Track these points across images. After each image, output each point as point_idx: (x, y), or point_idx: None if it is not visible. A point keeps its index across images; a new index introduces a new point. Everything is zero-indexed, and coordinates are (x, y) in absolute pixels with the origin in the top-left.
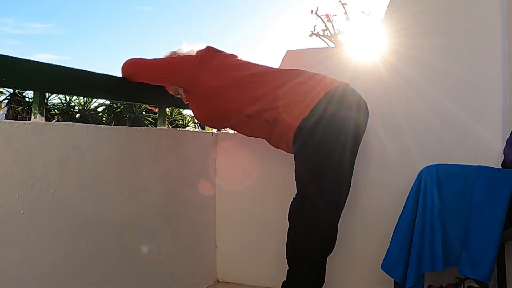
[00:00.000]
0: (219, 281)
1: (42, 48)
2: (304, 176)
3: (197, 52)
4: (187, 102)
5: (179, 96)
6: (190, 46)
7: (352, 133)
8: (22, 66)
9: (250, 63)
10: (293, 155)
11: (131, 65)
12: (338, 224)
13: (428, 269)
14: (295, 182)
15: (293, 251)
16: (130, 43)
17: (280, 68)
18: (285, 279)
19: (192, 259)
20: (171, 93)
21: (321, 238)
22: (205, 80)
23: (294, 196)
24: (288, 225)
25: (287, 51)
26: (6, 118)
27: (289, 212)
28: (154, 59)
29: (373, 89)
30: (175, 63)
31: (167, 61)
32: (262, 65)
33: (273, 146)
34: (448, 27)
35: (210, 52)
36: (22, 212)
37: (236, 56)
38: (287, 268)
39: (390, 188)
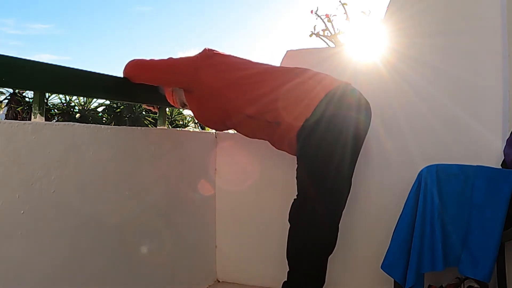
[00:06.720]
0: (219, 281)
1: (42, 48)
2: (305, 178)
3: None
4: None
5: (186, 107)
6: (186, 54)
7: (353, 134)
8: (22, 66)
9: (250, 61)
10: (294, 156)
11: (133, 67)
12: (339, 225)
13: (428, 269)
14: (296, 182)
15: (293, 252)
16: (130, 43)
17: (281, 66)
18: (285, 279)
19: (192, 259)
20: (177, 106)
21: (321, 239)
22: (206, 80)
23: (295, 197)
24: (289, 225)
25: (287, 51)
26: (6, 118)
27: (289, 213)
28: (156, 60)
29: (373, 89)
30: (176, 63)
31: (168, 61)
32: (263, 64)
33: (276, 148)
34: (448, 27)
35: (210, 52)
36: (22, 212)
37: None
38: (288, 269)
39: (390, 188)
